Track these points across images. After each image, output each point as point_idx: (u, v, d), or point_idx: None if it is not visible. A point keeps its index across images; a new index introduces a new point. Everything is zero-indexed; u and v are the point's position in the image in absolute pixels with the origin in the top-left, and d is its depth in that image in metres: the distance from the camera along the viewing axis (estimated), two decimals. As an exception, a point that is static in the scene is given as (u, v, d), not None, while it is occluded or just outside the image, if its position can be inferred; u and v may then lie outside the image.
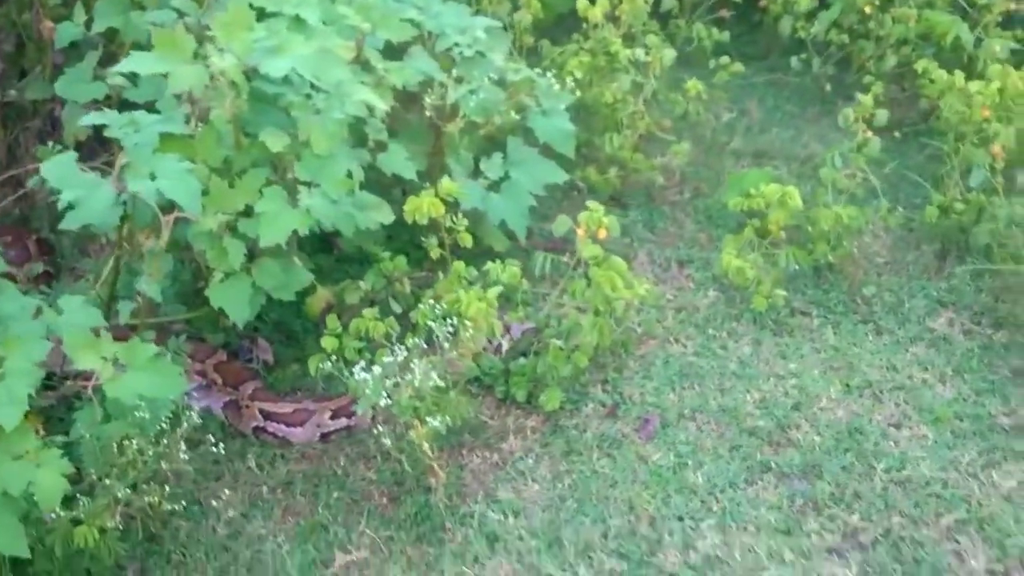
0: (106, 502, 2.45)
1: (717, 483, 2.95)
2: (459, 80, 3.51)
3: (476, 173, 3.54)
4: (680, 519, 2.85)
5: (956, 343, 3.43)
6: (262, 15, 2.99)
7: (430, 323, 2.77)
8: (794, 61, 4.79)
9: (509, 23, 4.15)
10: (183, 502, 2.72)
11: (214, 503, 2.89)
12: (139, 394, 2.39)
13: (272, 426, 3.08)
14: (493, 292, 2.87)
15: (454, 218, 3.04)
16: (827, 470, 2.98)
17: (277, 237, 2.68)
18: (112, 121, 2.68)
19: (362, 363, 2.74)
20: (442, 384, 2.68)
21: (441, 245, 3.11)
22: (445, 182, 2.99)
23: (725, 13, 4.94)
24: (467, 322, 2.78)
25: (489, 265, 3.05)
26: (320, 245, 3.57)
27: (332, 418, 3.08)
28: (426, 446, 2.68)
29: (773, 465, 3.00)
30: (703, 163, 4.40)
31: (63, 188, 2.57)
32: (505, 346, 3.32)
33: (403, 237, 3.52)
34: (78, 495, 2.50)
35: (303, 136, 2.71)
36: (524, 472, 3.00)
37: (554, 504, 2.89)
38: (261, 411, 3.08)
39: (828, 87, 4.73)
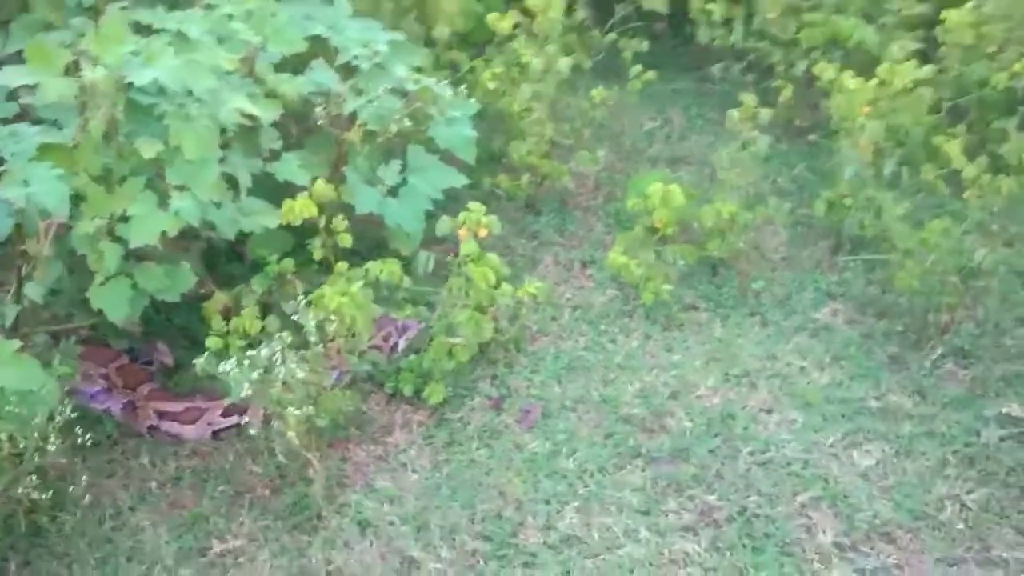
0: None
1: (587, 468, 3.05)
2: (358, 91, 3.64)
3: (375, 179, 3.66)
4: (547, 502, 2.95)
5: (838, 332, 3.53)
6: (150, 31, 3.14)
7: (294, 319, 2.89)
8: (715, 69, 4.91)
9: (428, 37, 4.29)
10: (48, 495, 2.81)
11: (104, 498, 3.01)
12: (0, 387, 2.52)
13: (165, 424, 3.20)
14: (356, 287, 2.99)
15: (333, 220, 3.17)
16: (694, 453, 3.08)
17: (146, 238, 2.82)
18: (-11, 133, 2.83)
19: (234, 358, 2.86)
20: (303, 376, 2.79)
21: (326, 247, 3.23)
22: (318, 185, 3.12)
23: (660, 26, 5.10)
24: (332, 317, 2.90)
25: (369, 264, 3.17)
26: (231, 255, 3.71)
27: (223, 415, 3.20)
28: (292, 436, 2.79)
29: (643, 450, 3.10)
30: (620, 169, 4.51)
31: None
32: (402, 344, 3.43)
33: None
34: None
35: (175, 142, 2.85)
36: (405, 463, 3.11)
37: (429, 492, 3.01)
38: (155, 411, 3.21)
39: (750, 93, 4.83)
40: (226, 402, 3.18)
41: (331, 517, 2.94)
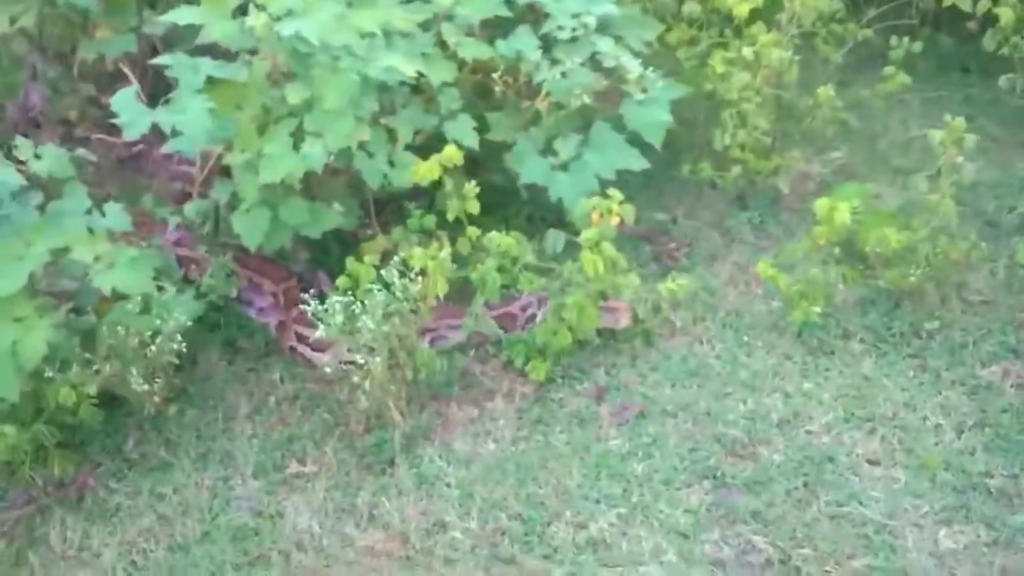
0: (89, 374, 2.97)
1: (653, 477, 2.97)
2: (555, 61, 3.67)
3: (550, 150, 3.69)
4: (597, 501, 2.91)
5: (1000, 395, 3.14)
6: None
7: (382, 274, 3.03)
8: (1002, 81, 4.44)
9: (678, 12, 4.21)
10: (171, 389, 3.16)
11: (229, 402, 3.33)
12: (114, 286, 2.87)
13: (302, 347, 3.46)
14: (444, 252, 3.06)
15: (466, 185, 3.25)
16: (769, 489, 2.90)
17: (274, 176, 3.06)
18: (176, 63, 3.17)
19: (335, 301, 3.04)
20: (386, 329, 2.93)
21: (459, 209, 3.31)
22: (448, 149, 3.20)
23: (972, 25, 4.71)
24: (418, 277, 3.00)
25: (491, 234, 3.23)
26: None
27: (349, 350, 3.41)
28: (361, 382, 2.95)
29: (719, 473, 2.96)
30: (853, 174, 4.22)
31: (121, 113, 3.11)
32: (540, 316, 3.47)
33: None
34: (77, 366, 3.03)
35: (317, 92, 3.05)
36: (491, 431, 3.18)
37: (495, 463, 3.06)
38: (297, 334, 3.48)
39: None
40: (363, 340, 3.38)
41: (401, 465, 3.07)
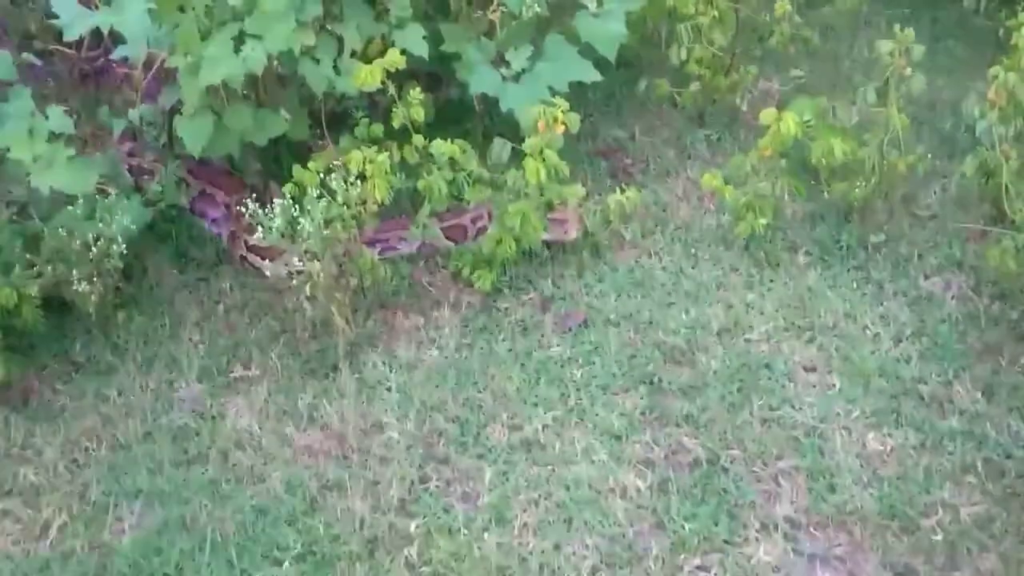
0: (31, 276, 2.98)
1: (591, 383, 2.99)
2: (504, -30, 3.63)
3: (502, 62, 3.66)
4: (534, 404, 2.94)
5: (941, 305, 3.17)
6: None
7: (321, 177, 3.02)
8: (966, 0, 4.43)
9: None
10: (115, 299, 3.18)
11: (178, 310, 3.34)
12: (52, 186, 2.87)
13: (251, 256, 3.47)
14: (383, 157, 3.06)
15: (410, 92, 3.23)
16: (704, 394, 2.93)
17: (214, 78, 3.04)
18: (117, -34, 3.15)
19: (276, 205, 3.04)
20: (326, 233, 2.93)
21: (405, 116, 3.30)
22: (391, 53, 3.18)
23: None
24: (358, 181, 3.00)
25: (436, 142, 3.23)
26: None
27: (299, 259, 3.42)
28: (308, 289, 2.96)
29: (656, 379, 2.99)
30: (814, 92, 4.19)
31: (61, 15, 3.09)
32: (491, 228, 3.47)
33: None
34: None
35: (257, -6, 3.03)
36: (435, 339, 3.19)
37: (437, 369, 3.08)
38: (246, 243, 3.49)
39: (1001, 33, 4.30)
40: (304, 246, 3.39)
41: (343, 370, 3.09)
